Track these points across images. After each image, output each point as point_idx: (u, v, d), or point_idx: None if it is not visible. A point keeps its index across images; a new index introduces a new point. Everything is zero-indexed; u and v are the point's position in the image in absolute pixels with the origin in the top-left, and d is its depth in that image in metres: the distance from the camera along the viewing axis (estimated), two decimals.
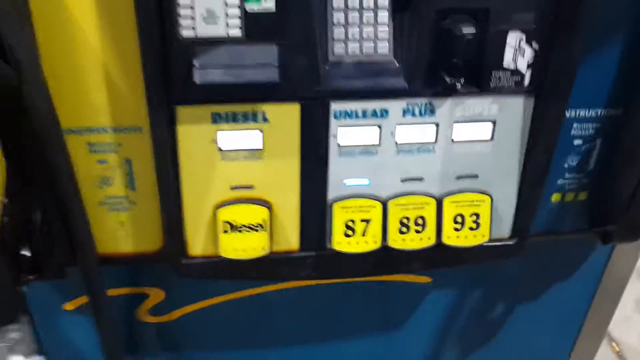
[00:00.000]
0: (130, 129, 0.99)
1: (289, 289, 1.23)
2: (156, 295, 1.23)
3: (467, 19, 0.92)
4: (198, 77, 0.89)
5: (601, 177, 1.12)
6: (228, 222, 1.01)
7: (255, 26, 0.88)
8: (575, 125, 1.07)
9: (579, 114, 1.06)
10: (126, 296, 1.21)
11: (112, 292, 1.17)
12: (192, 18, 0.87)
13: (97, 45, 0.92)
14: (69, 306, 1.21)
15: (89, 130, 0.99)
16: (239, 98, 0.94)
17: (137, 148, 0.97)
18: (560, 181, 1.13)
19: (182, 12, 0.87)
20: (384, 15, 0.92)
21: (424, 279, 1.29)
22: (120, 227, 1.08)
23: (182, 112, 0.94)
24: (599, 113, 1.07)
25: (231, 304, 1.25)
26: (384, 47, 0.93)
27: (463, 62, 0.90)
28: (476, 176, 1.03)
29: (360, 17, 0.91)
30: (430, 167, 1.01)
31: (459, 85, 0.91)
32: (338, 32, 0.92)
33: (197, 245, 1.05)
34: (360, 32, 0.92)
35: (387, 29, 0.92)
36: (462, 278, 1.31)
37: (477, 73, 0.94)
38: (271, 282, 1.21)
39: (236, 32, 0.89)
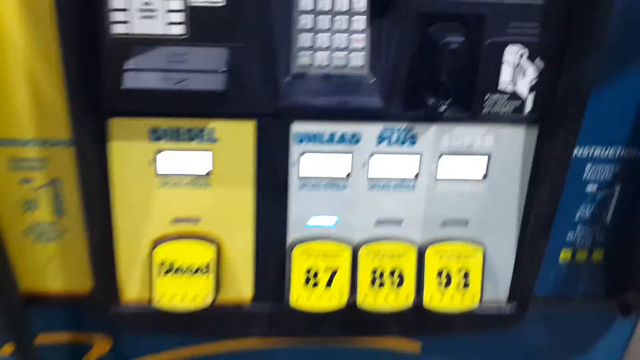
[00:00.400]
0: (58, 143, 0.87)
1: (260, 349, 1.10)
2: (102, 345, 1.10)
3: (456, 27, 0.79)
4: (128, 81, 0.76)
5: (620, 233, 1.00)
6: (165, 263, 0.88)
7: (201, 23, 0.77)
8: (588, 166, 0.96)
9: (593, 153, 0.95)
10: (68, 344, 1.09)
11: (49, 337, 1.07)
12: (126, 11, 0.75)
13: (19, 46, 0.81)
14: (5, 350, 1.07)
15: (10, 142, 0.87)
16: (181, 111, 0.82)
17: (67, 165, 0.87)
18: (570, 236, 1.02)
19: (113, 3, 0.75)
20: (359, 21, 0.81)
21: (411, 346, 1.14)
22: (48, 261, 0.95)
23: (114, 125, 0.83)
24: (618, 153, 0.95)
25: None
26: (358, 59, 0.83)
27: (450, 79, 0.78)
28: (466, 223, 0.92)
29: (332, 22, 0.81)
30: (411, 209, 0.90)
31: (443, 107, 0.80)
32: (304, 39, 0.81)
33: (131, 288, 0.92)
34: (331, 40, 0.82)
35: (362, 37, 0.82)
36: (458, 347, 1.16)
37: (467, 95, 0.82)
38: (220, 338, 1.08)
39: (178, 30, 0.77)
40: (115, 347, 1.11)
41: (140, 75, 0.77)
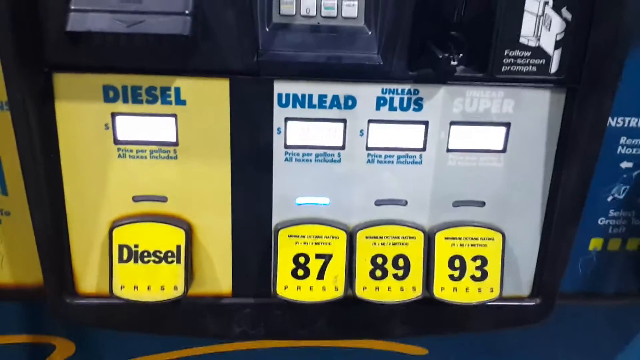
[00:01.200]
0: None
1: (246, 350, 1.05)
2: (64, 348, 1.05)
3: None
4: (72, 22, 0.67)
5: None
6: (126, 247, 0.80)
7: None
8: (623, 139, 0.90)
9: (629, 124, 0.89)
10: (29, 345, 1.03)
11: (6, 338, 1.02)
12: None
13: None
14: None
15: None
16: (138, 64, 0.73)
17: (6, 133, 0.78)
18: (601, 221, 0.96)
19: None
20: None
21: (416, 350, 1.09)
22: None
23: (60, 81, 0.75)
24: None
25: None
26: (352, 7, 0.76)
27: (462, 30, 0.73)
28: (482, 204, 0.85)
29: None
30: (417, 186, 0.84)
31: (455, 62, 0.71)
32: None
33: (88, 279, 0.85)
34: None
35: None
36: (470, 350, 1.12)
37: (482, 50, 0.75)
38: (196, 340, 1.02)
39: None
40: (79, 350, 1.05)
41: (84, 16, 0.67)
